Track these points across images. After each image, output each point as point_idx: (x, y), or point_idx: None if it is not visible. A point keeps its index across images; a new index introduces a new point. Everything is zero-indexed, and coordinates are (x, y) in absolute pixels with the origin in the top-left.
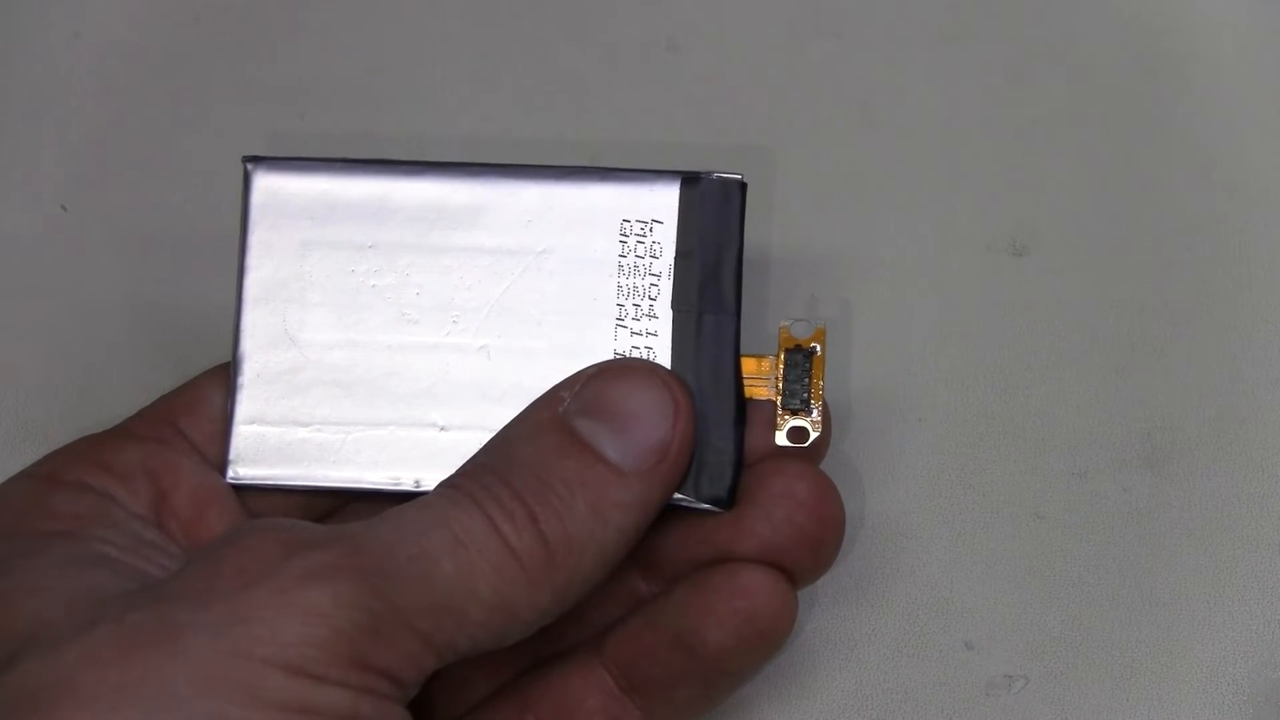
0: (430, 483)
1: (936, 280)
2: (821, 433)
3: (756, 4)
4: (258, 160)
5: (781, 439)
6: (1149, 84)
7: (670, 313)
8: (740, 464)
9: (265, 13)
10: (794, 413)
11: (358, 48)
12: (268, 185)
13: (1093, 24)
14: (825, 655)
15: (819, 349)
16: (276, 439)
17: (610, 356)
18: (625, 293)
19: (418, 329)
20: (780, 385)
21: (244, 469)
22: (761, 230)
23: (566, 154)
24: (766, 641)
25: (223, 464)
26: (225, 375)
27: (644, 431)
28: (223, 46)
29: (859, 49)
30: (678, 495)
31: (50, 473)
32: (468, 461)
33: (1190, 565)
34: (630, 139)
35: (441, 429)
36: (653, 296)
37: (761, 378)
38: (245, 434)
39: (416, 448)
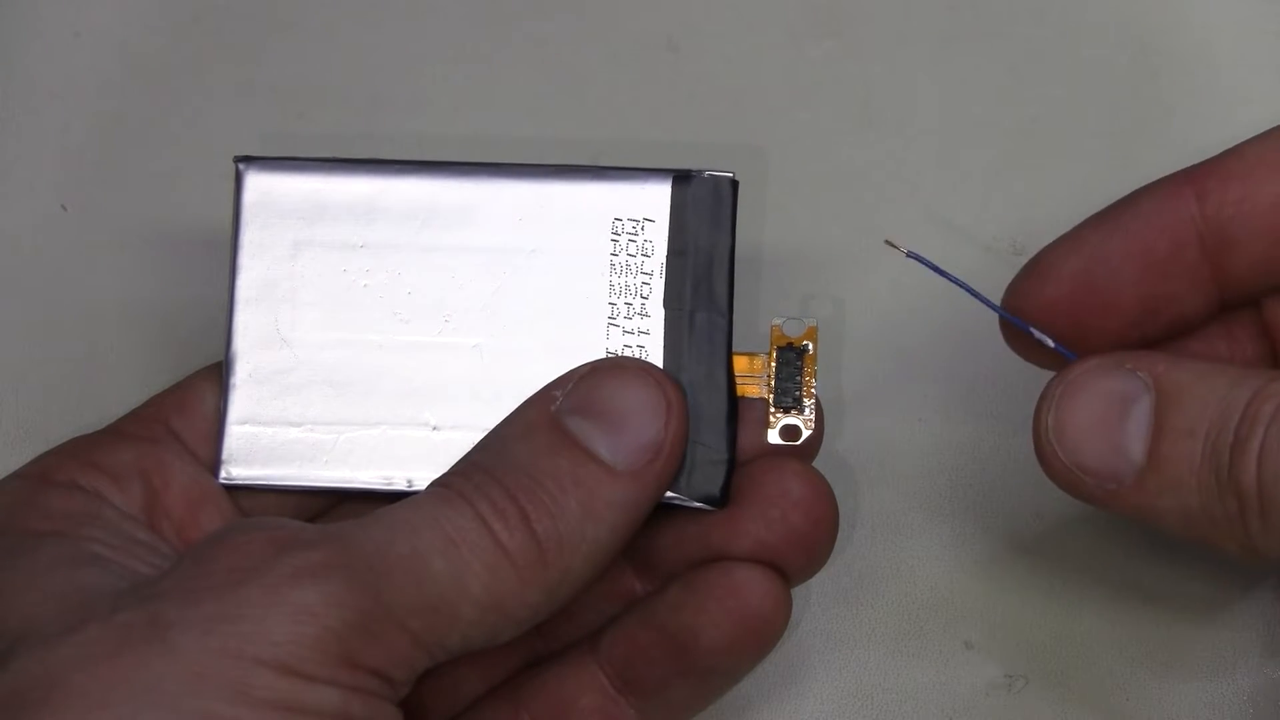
0: (423, 482)
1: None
2: (814, 430)
3: (756, 4)
4: (249, 160)
5: (774, 437)
6: (1149, 84)
7: (662, 311)
8: (733, 462)
9: (265, 13)
10: (786, 410)
11: (358, 47)
12: (259, 185)
13: (1093, 24)
14: (825, 655)
15: (811, 347)
16: (269, 439)
17: (602, 355)
18: (617, 291)
19: (410, 328)
20: (772, 383)
21: (236, 469)
22: (757, 230)
23: (566, 153)
24: (761, 640)
25: (215, 464)
26: (217, 375)
27: (636, 430)
28: (222, 46)
29: (858, 49)
30: (671, 494)
31: (42, 473)
32: (460, 460)
33: (1190, 564)
34: (630, 138)
35: (434, 428)
36: (645, 295)
37: (754, 376)
38: (238, 434)
39: (409, 447)
